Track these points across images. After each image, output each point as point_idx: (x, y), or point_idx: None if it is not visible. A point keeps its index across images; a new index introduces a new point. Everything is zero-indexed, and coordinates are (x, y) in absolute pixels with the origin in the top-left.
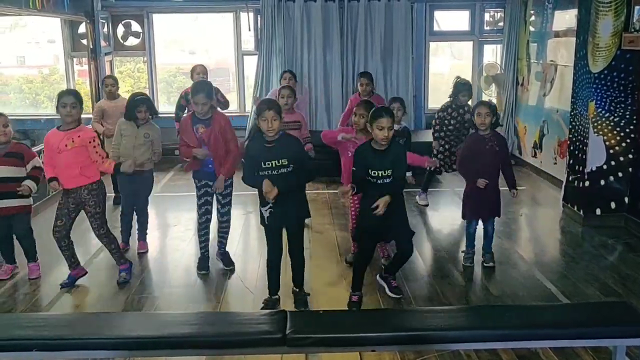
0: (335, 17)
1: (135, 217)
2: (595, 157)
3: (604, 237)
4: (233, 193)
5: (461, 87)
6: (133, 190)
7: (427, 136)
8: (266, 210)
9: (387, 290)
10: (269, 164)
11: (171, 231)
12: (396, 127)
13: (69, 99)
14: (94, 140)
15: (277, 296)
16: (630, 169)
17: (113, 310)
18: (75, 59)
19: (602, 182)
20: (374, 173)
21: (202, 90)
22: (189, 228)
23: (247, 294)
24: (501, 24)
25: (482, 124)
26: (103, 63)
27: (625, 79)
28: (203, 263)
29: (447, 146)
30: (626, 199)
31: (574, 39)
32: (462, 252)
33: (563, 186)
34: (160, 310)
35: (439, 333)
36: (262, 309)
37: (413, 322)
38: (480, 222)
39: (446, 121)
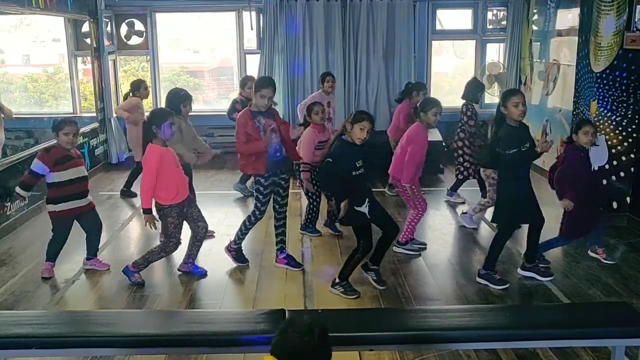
0: (337, 16)
1: None
2: (598, 156)
3: (606, 237)
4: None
5: (482, 88)
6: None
7: (433, 134)
8: (365, 207)
9: (538, 278)
10: (359, 164)
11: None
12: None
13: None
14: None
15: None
16: (632, 169)
17: (114, 308)
18: (79, 58)
19: (605, 182)
20: (524, 148)
21: (271, 84)
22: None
23: (248, 292)
24: (504, 22)
25: (589, 142)
26: (107, 62)
27: (627, 79)
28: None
29: (474, 154)
30: (628, 199)
31: (577, 38)
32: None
33: None
34: (161, 308)
35: (438, 333)
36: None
37: (412, 322)
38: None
39: (470, 122)
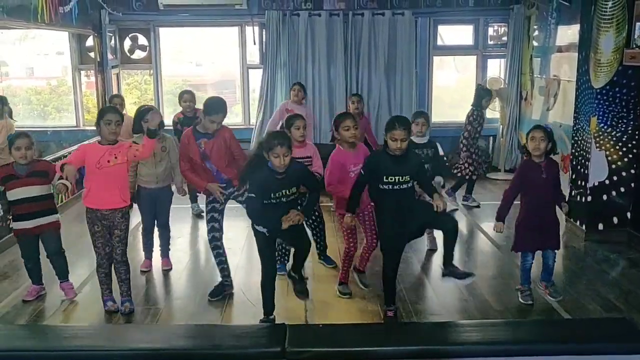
0: (340, 31)
1: (156, 233)
2: (598, 172)
3: (607, 252)
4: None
5: (485, 94)
6: (154, 207)
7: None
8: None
9: (457, 282)
10: (278, 194)
11: (173, 243)
12: (421, 140)
13: (115, 116)
14: (131, 146)
15: (273, 316)
16: (632, 184)
17: (115, 322)
18: (82, 72)
19: (605, 197)
20: (391, 179)
21: (221, 110)
22: (191, 240)
23: (249, 307)
24: (505, 38)
25: (536, 149)
26: (110, 76)
27: (627, 95)
28: (217, 290)
29: (474, 156)
30: (629, 214)
31: (577, 54)
32: (517, 289)
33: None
34: (162, 323)
35: (438, 348)
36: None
37: (413, 337)
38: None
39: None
